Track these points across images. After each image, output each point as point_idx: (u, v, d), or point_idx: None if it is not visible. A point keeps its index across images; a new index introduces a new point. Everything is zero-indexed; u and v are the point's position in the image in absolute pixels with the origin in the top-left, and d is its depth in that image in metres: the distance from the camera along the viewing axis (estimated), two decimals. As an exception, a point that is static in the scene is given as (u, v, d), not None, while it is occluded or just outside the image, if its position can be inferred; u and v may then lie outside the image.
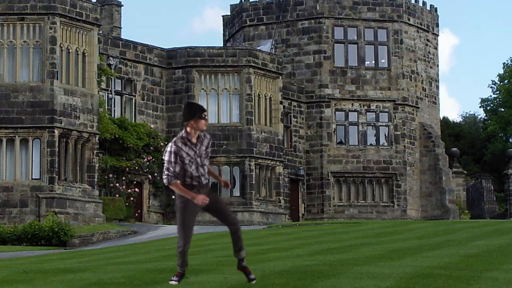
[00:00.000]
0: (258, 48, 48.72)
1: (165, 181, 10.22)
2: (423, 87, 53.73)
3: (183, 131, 10.32)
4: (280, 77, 46.43)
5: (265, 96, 45.25)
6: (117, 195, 39.73)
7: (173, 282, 10.33)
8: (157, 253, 19.52)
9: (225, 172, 43.15)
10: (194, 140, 10.32)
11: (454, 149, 57.71)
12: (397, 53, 51.77)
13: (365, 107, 50.94)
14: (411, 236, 22.72)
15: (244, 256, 10.52)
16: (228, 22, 56.01)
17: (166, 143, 43.04)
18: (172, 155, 10.22)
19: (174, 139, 10.33)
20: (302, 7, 51.57)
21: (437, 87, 55.28)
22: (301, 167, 49.94)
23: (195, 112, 10.28)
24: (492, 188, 59.23)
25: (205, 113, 10.33)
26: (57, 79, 36.45)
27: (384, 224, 31.84)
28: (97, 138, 37.75)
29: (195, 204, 10.24)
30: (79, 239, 32.85)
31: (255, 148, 43.77)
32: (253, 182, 43.57)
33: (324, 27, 51.02)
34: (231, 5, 54.95)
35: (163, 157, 10.36)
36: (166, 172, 10.20)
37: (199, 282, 10.46)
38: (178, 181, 10.25)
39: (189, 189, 10.27)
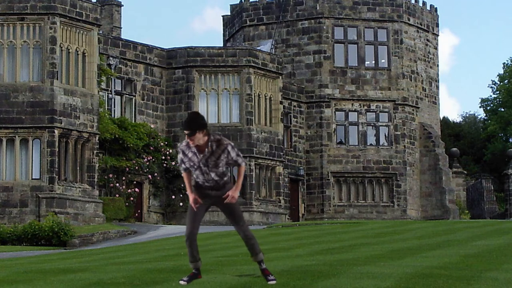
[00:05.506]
0: (258, 48, 48.69)
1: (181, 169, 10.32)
2: (423, 87, 53.72)
3: None
4: (280, 77, 46.40)
5: (265, 96, 45.22)
6: (117, 195, 39.72)
7: (182, 282, 10.29)
8: (157, 253, 19.51)
9: (225, 172, 43.10)
10: (201, 147, 10.03)
11: (454, 149, 57.69)
12: (397, 53, 51.76)
13: (365, 107, 50.93)
14: (411, 236, 22.72)
15: (260, 259, 10.42)
16: (228, 22, 55.99)
17: (166, 143, 43.03)
18: (180, 154, 10.21)
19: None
20: (302, 7, 51.56)
21: (437, 87, 55.27)
22: (301, 167, 49.94)
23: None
24: (492, 188, 59.21)
25: (187, 131, 9.86)
26: (57, 79, 36.43)
27: (384, 224, 31.84)
28: (97, 138, 37.73)
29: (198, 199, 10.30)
30: (79, 239, 32.83)
31: (255, 148, 43.75)
32: (253, 182, 43.55)
33: (324, 27, 51.01)
34: (231, 5, 54.96)
35: None
36: (180, 165, 10.25)
37: (199, 282, 10.46)
38: (186, 174, 10.29)
39: (199, 187, 10.24)
